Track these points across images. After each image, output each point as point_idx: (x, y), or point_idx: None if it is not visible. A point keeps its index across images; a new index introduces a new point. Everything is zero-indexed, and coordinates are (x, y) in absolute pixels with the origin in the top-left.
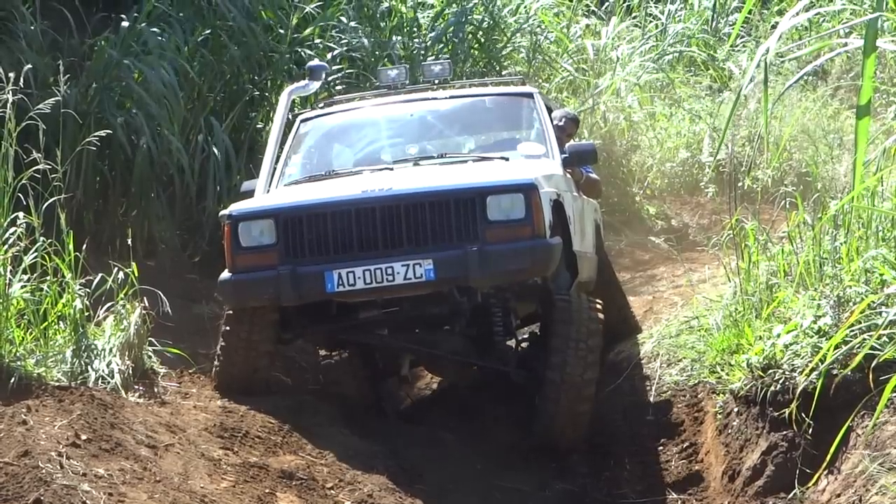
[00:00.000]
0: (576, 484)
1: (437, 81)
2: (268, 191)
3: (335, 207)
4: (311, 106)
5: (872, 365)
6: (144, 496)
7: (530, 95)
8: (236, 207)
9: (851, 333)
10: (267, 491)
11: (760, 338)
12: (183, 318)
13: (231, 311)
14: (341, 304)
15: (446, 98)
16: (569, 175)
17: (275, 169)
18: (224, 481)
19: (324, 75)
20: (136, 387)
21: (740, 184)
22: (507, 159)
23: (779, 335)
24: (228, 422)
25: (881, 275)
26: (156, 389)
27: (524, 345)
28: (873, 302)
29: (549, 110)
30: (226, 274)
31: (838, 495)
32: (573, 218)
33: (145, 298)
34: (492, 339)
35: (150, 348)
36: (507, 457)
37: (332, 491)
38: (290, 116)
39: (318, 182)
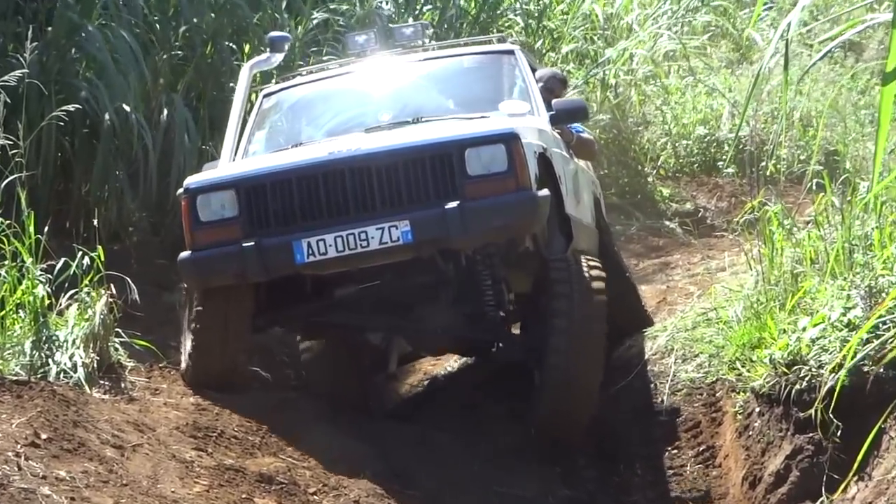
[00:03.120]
0: (582, 490)
1: (409, 45)
2: None
3: (300, 172)
4: (275, 80)
5: None
6: (110, 501)
7: (511, 52)
8: (193, 180)
9: (885, 326)
10: (244, 496)
11: (784, 331)
12: (153, 307)
13: (202, 301)
14: (316, 283)
15: (420, 61)
16: (557, 135)
17: (237, 148)
18: (197, 485)
19: (286, 47)
20: (102, 382)
21: (762, 164)
22: (487, 118)
23: (805, 328)
24: (202, 420)
25: None
26: (123, 385)
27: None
28: None
29: (533, 70)
30: (185, 253)
31: (870, 503)
32: (564, 178)
33: (112, 285)
34: (482, 310)
35: (116, 340)
36: (507, 459)
37: (315, 496)
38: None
39: (282, 152)
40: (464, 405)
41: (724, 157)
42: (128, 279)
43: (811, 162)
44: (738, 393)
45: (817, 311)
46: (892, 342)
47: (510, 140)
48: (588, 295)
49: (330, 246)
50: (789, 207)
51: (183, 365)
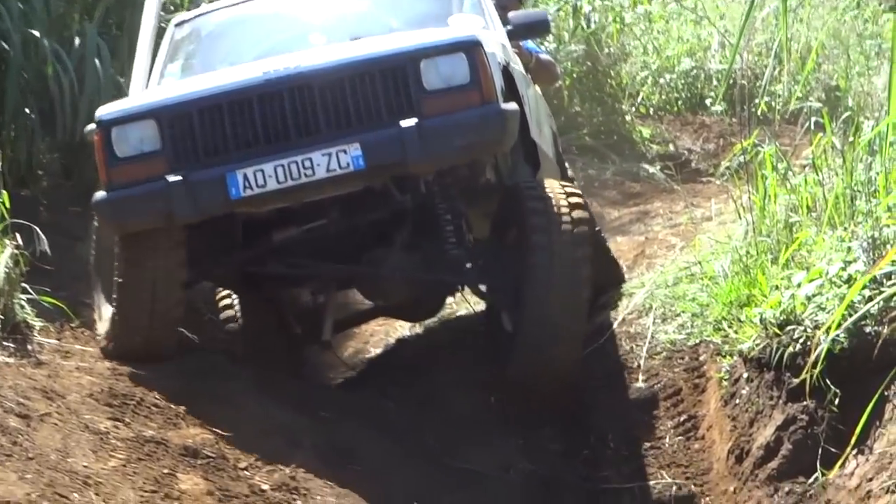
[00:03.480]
0: (547, 465)
1: None
2: None
3: (232, 96)
4: (186, 7)
5: None
6: (13, 476)
7: None
8: (106, 111)
9: (890, 282)
10: (166, 471)
11: (777, 288)
12: (64, 260)
13: (124, 261)
14: (250, 227)
15: None
16: (516, 53)
17: (149, 81)
18: (112, 459)
19: None
20: (6, 343)
21: (755, 101)
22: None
23: (799, 284)
24: (119, 387)
25: None
26: (30, 347)
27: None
28: None
29: None
30: (101, 193)
31: (870, 479)
32: (527, 100)
33: (18, 235)
34: (443, 249)
35: (23, 297)
36: (462, 430)
37: (245, 471)
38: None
39: (208, 75)
40: (413, 372)
41: (713, 93)
42: (36, 228)
43: (810, 99)
44: (724, 356)
45: (814, 265)
46: None
47: (472, 48)
48: (569, 225)
49: (269, 177)
50: (784, 149)
51: (100, 334)
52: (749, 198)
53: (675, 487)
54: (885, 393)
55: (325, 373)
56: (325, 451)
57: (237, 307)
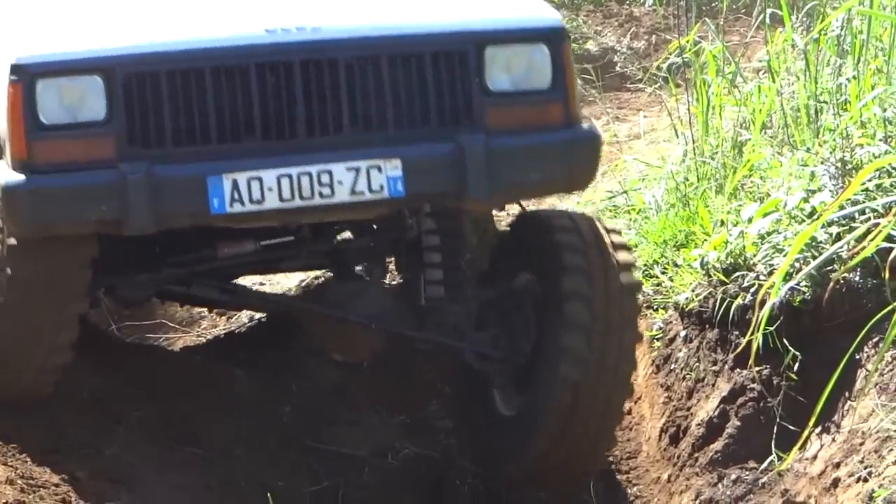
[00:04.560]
0: (435, 445)
1: None
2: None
3: (220, 59)
4: None
5: (893, 263)
6: None
7: None
8: (30, 52)
9: (863, 217)
10: None
11: (723, 223)
12: None
13: (23, 270)
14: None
15: None
16: None
17: None
18: None
19: None
20: None
21: None
22: None
23: (751, 220)
24: None
25: None
26: None
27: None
28: (891, 167)
29: None
30: (14, 175)
31: (837, 465)
32: None
33: None
34: (434, 293)
35: None
36: (330, 406)
37: (55, 456)
38: None
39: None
40: (274, 337)
41: None
42: None
43: None
44: (656, 310)
45: (768, 196)
46: (872, 238)
47: (557, 38)
48: (617, 271)
49: (269, 190)
50: (733, 48)
51: None
52: (688, 110)
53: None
54: (857, 356)
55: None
56: (155, 426)
57: None
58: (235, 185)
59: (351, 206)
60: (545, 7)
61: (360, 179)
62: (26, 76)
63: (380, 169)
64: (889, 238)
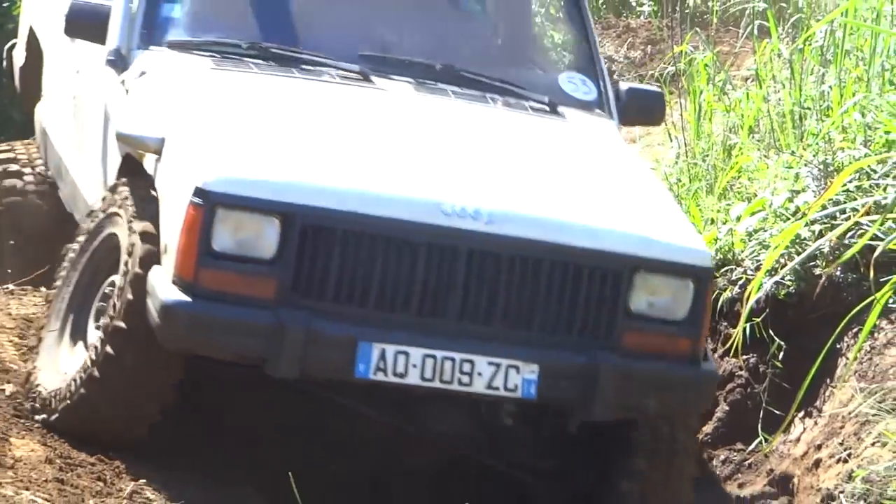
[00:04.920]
0: None
1: None
2: (139, 46)
3: (396, 229)
4: None
5: (872, 260)
6: None
7: None
8: (215, 175)
9: (844, 216)
10: None
11: (713, 221)
12: None
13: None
14: None
15: None
16: None
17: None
18: None
19: None
20: None
21: (689, 0)
22: (551, 107)
23: (739, 218)
24: None
25: (886, 132)
26: None
27: None
28: (870, 168)
29: None
30: (175, 292)
31: (819, 446)
32: None
33: None
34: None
35: None
36: None
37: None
38: None
39: (299, 112)
40: None
41: None
42: None
43: None
44: None
45: (756, 196)
46: (852, 237)
47: (705, 277)
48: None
49: (413, 367)
50: (723, 58)
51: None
52: (681, 115)
53: None
54: (837, 345)
55: None
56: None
57: None
58: (383, 355)
59: (484, 396)
60: (695, 236)
61: (498, 375)
62: (208, 203)
63: (518, 370)
64: (871, 237)
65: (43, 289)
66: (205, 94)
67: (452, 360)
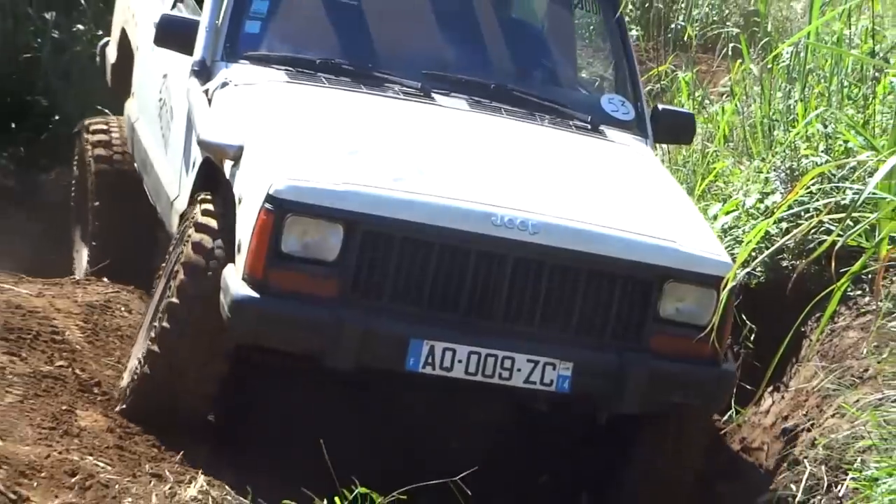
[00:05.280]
0: None
1: None
2: (222, 59)
3: (449, 238)
4: None
5: (834, 253)
6: None
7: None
8: (285, 182)
9: (808, 215)
10: (64, 407)
11: None
12: None
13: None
14: None
15: None
16: None
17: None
18: (9, 395)
19: None
20: None
21: (672, 25)
22: (593, 126)
23: (716, 217)
24: (14, 321)
25: (845, 141)
26: None
27: None
28: (833, 173)
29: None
30: (245, 288)
31: (786, 417)
32: None
33: None
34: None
35: None
36: None
37: None
38: None
39: (351, 114)
40: None
41: (628, 16)
42: None
43: (728, 24)
44: None
45: (731, 197)
46: (815, 234)
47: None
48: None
49: (459, 362)
50: (702, 76)
51: (124, 383)
52: None
53: None
54: (802, 329)
55: None
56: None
57: None
58: (432, 351)
59: (521, 391)
60: (720, 249)
61: (535, 371)
62: (279, 209)
63: (554, 367)
64: (829, 233)
65: (105, 279)
66: (280, 106)
67: (495, 356)
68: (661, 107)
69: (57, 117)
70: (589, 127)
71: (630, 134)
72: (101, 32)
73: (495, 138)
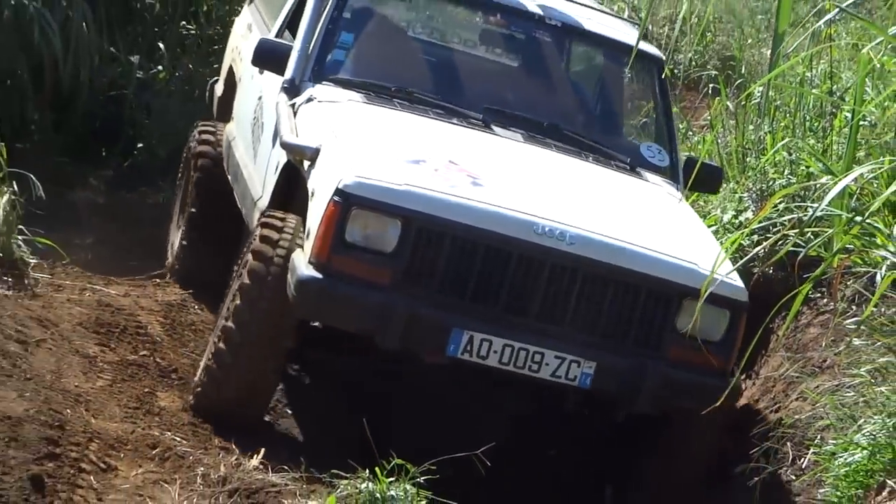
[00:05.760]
0: None
1: None
2: (309, 79)
3: (495, 241)
4: None
5: (797, 262)
6: (14, 394)
7: (658, 62)
8: (353, 178)
9: (775, 229)
10: (146, 390)
11: None
12: (54, 205)
13: (246, 303)
14: None
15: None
16: None
17: (308, 47)
18: (100, 380)
19: None
20: (5, 278)
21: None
22: (631, 167)
23: None
24: (105, 317)
25: (807, 167)
26: (26, 281)
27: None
28: (796, 194)
29: None
30: (310, 270)
31: (756, 400)
32: None
33: (14, 183)
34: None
35: (19, 237)
36: None
37: None
38: None
39: (413, 130)
40: None
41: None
42: (32, 177)
43: (708, 67)
44: None
45: (710, 214)
46: (781, 244)
47: (739, 308)
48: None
49: (494, 353)
50: (685, 111)
51: (197, 379)
52: None
53: None
54: (770, 325)
55: None
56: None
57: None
58: (471, 340)
59: (547, 382)
60: (733, 273)
61: (561, 367)
62: (346, 202)
63: (578, 364)
64: (795, 244)
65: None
66: (355, 120)
67: (527, 350)
68: (694, 158)
69: (140, 145)
70: (628, 167)
71: (663, 177)
72: (179, 74)
73: (544, 165)
